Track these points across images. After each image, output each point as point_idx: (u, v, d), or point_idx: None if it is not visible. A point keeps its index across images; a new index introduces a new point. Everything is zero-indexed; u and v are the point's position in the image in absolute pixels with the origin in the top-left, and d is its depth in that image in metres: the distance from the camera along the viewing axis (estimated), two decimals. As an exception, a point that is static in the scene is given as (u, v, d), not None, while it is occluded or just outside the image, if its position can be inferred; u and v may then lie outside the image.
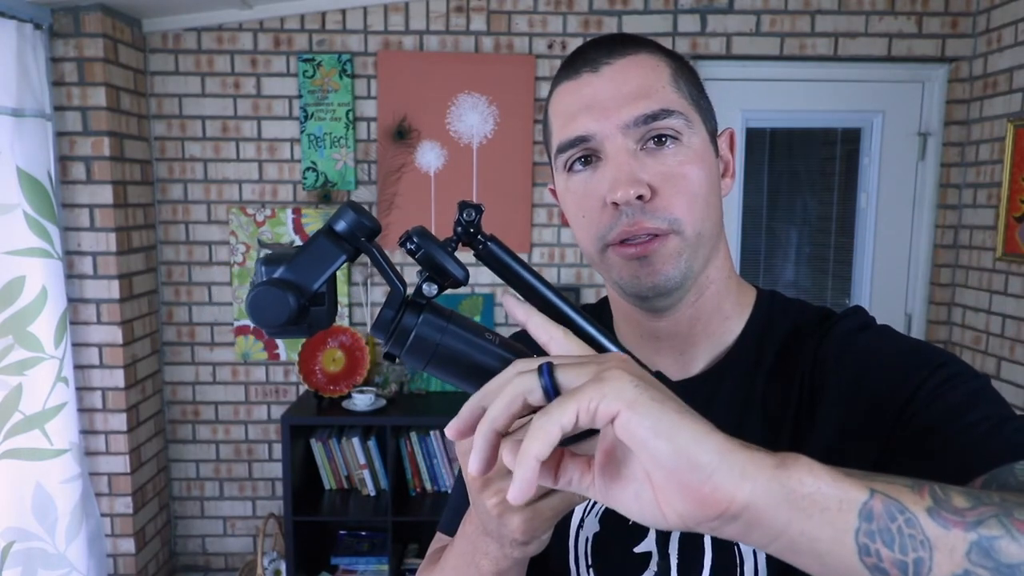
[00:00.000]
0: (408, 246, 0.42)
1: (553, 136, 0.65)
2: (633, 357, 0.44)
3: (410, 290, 0.44)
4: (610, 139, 0.60)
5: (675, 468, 0.34)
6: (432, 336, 0.42)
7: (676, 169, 0.60)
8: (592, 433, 0.42)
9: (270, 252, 0.41)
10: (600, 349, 0.47)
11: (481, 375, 0.43)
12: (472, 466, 0.39)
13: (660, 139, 0.60)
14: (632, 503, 0.38)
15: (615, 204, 0.59)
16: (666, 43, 2.49)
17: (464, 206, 0.44)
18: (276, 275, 0.40)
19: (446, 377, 0.44)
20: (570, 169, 0.63)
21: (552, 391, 0.37)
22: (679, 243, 0.60)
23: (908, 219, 2.67)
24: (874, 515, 0.36)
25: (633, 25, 2.50)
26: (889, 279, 2.69)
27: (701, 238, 0.61)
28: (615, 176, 0.59)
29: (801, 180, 2.79)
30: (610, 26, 2.50)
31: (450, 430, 0.41)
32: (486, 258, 0.45)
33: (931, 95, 2.59)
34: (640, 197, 0.58)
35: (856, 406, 0.59)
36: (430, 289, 0.42)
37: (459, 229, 0.44)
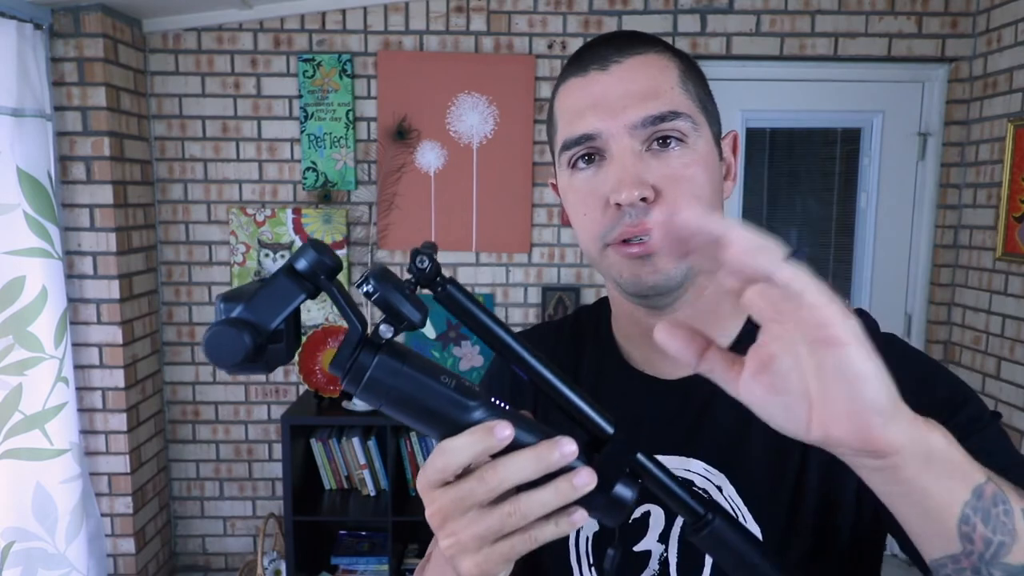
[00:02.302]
0: (365, 288, 0.41)
1: (558, 132, 0.65)
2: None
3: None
4: (616, 139, 0.60)
5: (864, 409, 0.36)
6: (386, 378, 0.42)
7: (681, 171, 0.60)
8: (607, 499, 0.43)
9: (231, 289, 0.41)
10: (577, 413, 0.46)
11: (434, 419, 0.43)
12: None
13: (665, 140, 0.60)
14: (778, 413, 0.39)
15: (618, 205, 0.59)
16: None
17: (416, 254, 0.43)
18: (234, 314, 0.40)
19: (402, 419, 0.44)
20: (573, 166, 0.63)
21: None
22: None
23: (908, 219, 2.67)
24: (984, 496, 0.41)
25: (633, 25, 2.49)
26: (889, 279, 2.69)
27: None
28: (620, 177, 0.59)
29: (801, 180, 2.79)
30: (610, 26, 2.50)
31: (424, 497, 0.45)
32: (444, 301, 0.45)
33: (931, 95, 2.59)
34: (644, 199, 0.58)
35: None
36: (387, 331, 0.42)
37: (412, 278, 0.43)
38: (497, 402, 0.44)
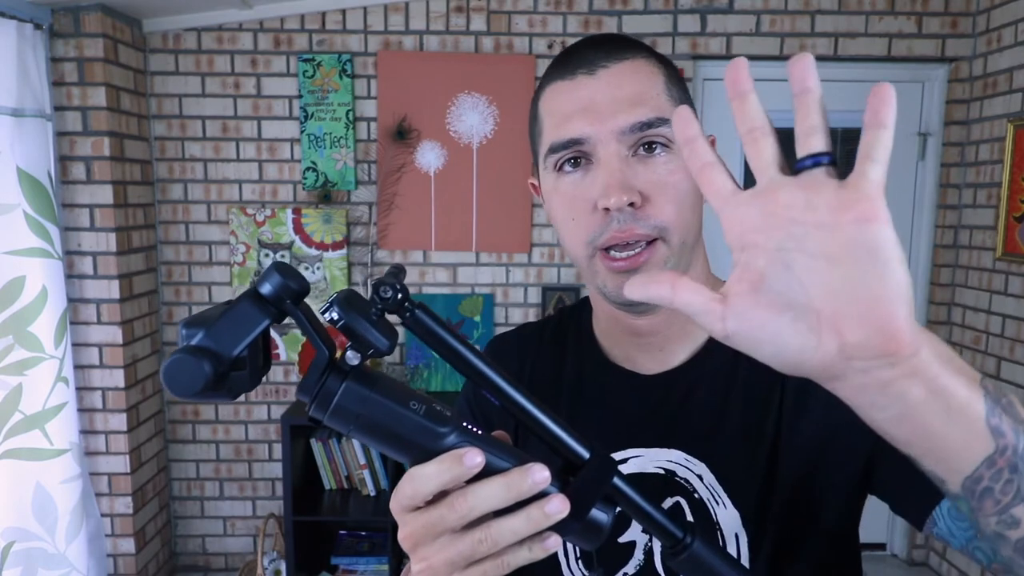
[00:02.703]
0: (329, 315, 0.40)
1: (543, 134, 0.65)
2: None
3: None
4: (604, 144, 0.60)
5: (894, 294, 0.35)
6: (353, 405, 0.41)
7: (666, 177, 0.61)
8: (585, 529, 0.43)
9: (193, 315, 0.40)
10: (551, 439, 0.45)
11: (403, 446, 0.42)
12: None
13: (651, 146, 0.61)
14: (785, 331, 0.37)
15: (606, 209, 0.60)
16: (666, 43, 2.51)
17: (379, 284, 0.42)
18: (194, 342, 0.39)
19: (372, 445, 0.43)
20: (559, 169, 0.64)
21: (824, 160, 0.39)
22: (665, 251, 0.61)
23: (908, 219, 2.67)
24: (989, 389, 0.39)
25: (633, 25, 2.50)
26: (889, 279, 2.69)
27: (685, 247, 0.63)
28: (607, 182, 0.59)
29: (801, 180, 2.79)
30: (610, 26, 2.51)
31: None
32: (412, 326, 0.44)
33: (931, 95, 2.60)
34: (632, 204, 0.59)
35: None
36: (353, 357, 0.41)
37: (378, 307, 0.41)
38: (470, 426, 0.44)
